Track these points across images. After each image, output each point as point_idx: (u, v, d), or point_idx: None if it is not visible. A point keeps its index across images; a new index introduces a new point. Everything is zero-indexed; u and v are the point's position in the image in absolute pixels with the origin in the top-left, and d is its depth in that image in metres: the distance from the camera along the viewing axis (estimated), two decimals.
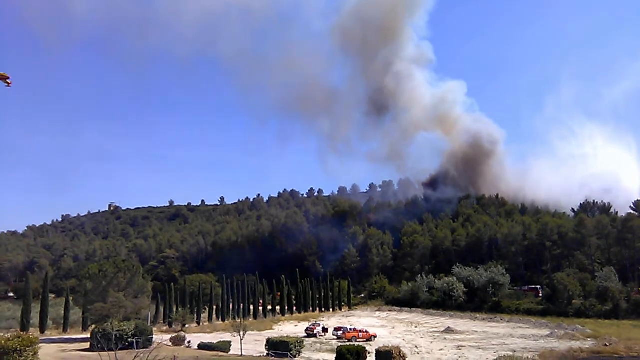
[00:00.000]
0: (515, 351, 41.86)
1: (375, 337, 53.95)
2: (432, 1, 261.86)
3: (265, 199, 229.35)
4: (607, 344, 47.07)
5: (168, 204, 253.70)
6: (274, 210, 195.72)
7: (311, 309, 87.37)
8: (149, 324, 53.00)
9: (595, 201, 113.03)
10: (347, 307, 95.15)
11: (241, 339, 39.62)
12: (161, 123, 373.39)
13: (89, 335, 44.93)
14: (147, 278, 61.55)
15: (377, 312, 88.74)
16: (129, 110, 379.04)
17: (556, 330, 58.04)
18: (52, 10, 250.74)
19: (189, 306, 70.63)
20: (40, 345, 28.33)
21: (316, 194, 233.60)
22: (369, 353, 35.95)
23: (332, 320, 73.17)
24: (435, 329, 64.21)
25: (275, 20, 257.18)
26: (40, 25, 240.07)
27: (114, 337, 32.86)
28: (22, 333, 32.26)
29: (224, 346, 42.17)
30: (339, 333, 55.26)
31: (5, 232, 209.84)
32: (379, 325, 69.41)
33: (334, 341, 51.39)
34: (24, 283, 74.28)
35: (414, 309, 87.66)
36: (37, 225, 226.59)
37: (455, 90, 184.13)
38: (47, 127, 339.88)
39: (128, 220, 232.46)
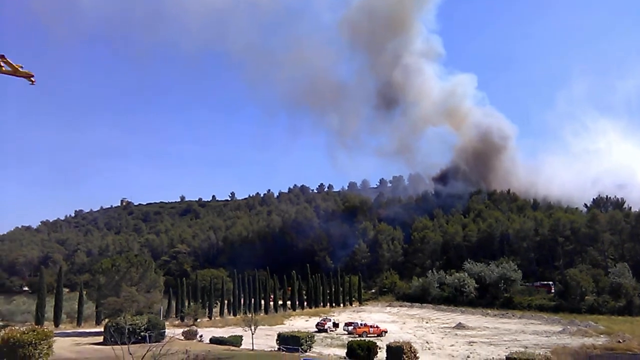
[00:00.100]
0: (527, 347, 41.58)
1: (386, 332, 53.94)
2: None
3: (276, 194, 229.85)
4: (621, 341, 46.64)
5: (179, 200, 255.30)
6: (284, 206, 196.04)
7: (322, 304, 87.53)
8: (162, 318, 53.47)
9: (609, 196, 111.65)
10: (358, 303, 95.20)
11: (252, 334, 39.86)
12: (171, 118, 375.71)
13: (102, 329, 45.49)
14: (159, 273, 62.12)
15: (388, 308, 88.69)
16: (139, 105, 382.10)
17: (568, 327, 57.64)
18: (60, 5, 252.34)
19: (200, 301, 71.16)
20: (55, 338, 28.69)
21: (326, 189, 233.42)
22: (379, 348, 36.01)
23: (342, 316, 73.33)
24: (447, 325, 64.04)
25: (283, 14, 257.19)
26: (49, 19, 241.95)
27: (126, 331, 33.20)
28: (36, 327, 32.76)
29: (236, 340, 42.48)
30: (350, 328, 55.37)
31: (20, 227, 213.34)
32: (390, 320, 69.37)
33: (345, 336, 51.50)
34: (38, 277, 75.21)
35: (425, 304, 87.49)
36: (51, 221, 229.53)
37: (465, 84, 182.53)
38: (60, 122, 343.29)
39: (140, 215, 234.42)
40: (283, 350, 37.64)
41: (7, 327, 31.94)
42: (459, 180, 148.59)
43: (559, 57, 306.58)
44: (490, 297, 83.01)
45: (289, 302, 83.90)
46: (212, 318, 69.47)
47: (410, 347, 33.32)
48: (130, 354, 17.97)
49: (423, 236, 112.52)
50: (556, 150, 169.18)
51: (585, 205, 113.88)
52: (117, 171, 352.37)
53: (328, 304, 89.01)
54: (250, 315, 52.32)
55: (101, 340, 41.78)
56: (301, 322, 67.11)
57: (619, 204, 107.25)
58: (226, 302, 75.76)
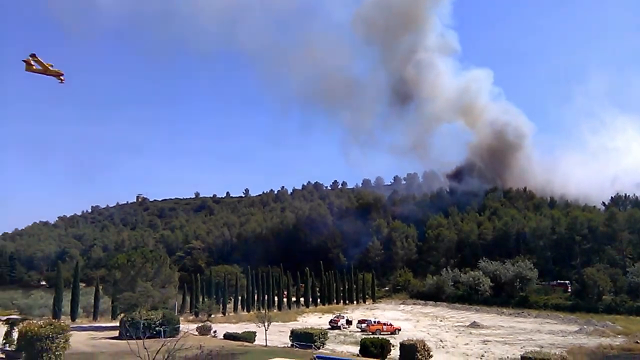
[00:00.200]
0: (542, 347, 41.10)
1: (399, 330, 53.77)
2: None
3: (289, 191, 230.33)
4: (639, 341, 45.92)
5: (194, 196, 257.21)
6: (298, 203, 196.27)
7: (335, 301, 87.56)
8: (176, 314, 53.85)
9: (627, 195, 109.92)
10: (371, 300, 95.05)
11: (266, 330, 39.94)
12: (186, 115, 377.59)
13: (117, 324, 45.94)
14: (173, 268, 62.62)
15: (402, 306, 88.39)
16: (155, 102, 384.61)
17: (585, 326, 56.95)
18: (78, 3, 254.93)
19: (214, 296, 71.63)
20: (71, 332, 28.98)
21: (340, 186, 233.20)
22: (393, 346, 35.82)
23: (356, 313, 73.25)
24: (461, 323, 63.65)
25: (296, 11, 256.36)
26: (67, 17, 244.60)
27: (142, 325, 33.46)
28: (54, 320, 33.18)
29: (249, 336, 42.64)
30: (363, 325, 55.32)
31: (38, 222, 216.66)
32: (403, 318, 69.16)
33: (358, 333, 51.45)
34: (55, 272, 76.33)
35: (439, 302, 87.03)
36: (68, 216, 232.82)
37: (480, 79, 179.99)
38: (76, 118, 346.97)
39: (155, 211, 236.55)
40: (296, 347, 37.68)
41: (25, 320, 32.44)
42: (474, 177, 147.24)
43: (576, 51, 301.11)
44: (505, 296, 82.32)
45: (302, 299, 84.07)
46: (226, 314, 69.88)
47: (424, 346, 33.09)
48: (145, 348, 18.04)
49: (437, 234, 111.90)
50: (573, 147, 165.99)
51: (603, 203, 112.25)
52: (133, 167, 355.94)
53: (341, 301, 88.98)
54: (264, 311, 52.44)
55: (117, 335, 42.18)
56: (314, 319, 67.20)
57: (637, 203, 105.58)
58: (240, 298, 76.18)
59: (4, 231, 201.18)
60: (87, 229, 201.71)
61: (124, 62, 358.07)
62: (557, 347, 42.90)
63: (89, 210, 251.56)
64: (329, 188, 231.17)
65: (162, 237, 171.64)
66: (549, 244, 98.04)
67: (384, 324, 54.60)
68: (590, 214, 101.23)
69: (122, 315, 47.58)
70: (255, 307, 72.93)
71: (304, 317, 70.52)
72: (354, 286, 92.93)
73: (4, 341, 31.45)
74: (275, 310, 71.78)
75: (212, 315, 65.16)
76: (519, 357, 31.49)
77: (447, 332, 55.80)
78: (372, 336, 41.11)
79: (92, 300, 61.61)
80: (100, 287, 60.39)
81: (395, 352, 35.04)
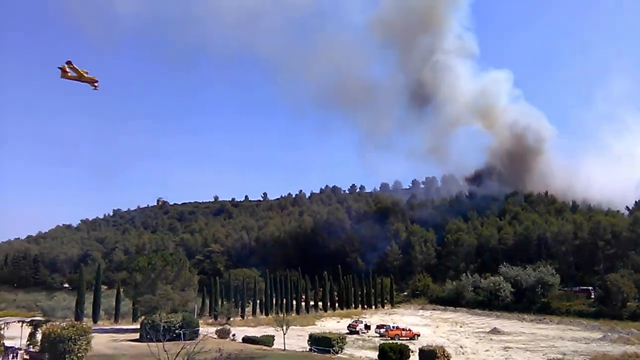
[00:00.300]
0: (565, 354, 40.41)
1: (418, 335, 53.34)
2: None
3: (307, 194, 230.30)
4: None
5: (213, 200, 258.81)
6: (315, 206, 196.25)
7: (353, 305, 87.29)
8: (195, 317, 54.31)
9: None
10: (390, 305, 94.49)
11: (284, 334, 40.04)
12: (205, 119, 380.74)
13: (138, 326, 46.49)
14: (193, 271, 63.27)
15: (421, 311, 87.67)
16: (174, 107, 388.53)
17: (609, 334, 55.73)
18: (96, 8, 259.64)
19: (233, 300, 72.00)
20: (93, 334, 29.49)
21: (358, 190, 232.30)
22: (412, 352, 35.56)
23: (374, 318, 72.89)
24: (481, 329, 62.86)
25: (313, 15, 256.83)
26: (86, 22, 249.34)
27: (162, 328, 33.79)
28: (76, 322, 33.75)
29: (268, 340, 42.76)
30: (382, 331, 55.01)
31: (61, 225, 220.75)
32: (422, 324, 68.60)
33: (377, 339, 51.20)
34: (78, 275, 77.52)
35: (459, 308, 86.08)
36: (90, 219, 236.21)
37: (500, 81, 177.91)
38: (98, 123, 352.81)
39: (175, 214, 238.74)
40: (314, 351, 37.69)
41: (49, 322, 33.02)
42: (493, 181, 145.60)
43: (595, 53, 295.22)
44: (526, 302, 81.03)
45: (320, 303, 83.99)
46: (245, 317, 70.18)
47: (444, 352, 32.84)
48: (165, 351, 18.27)
49: (457, 238, 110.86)
50: (595, 150, 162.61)
51: (627, 208, 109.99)
52: (153, 171, 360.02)
53: (359, 306, 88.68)
54: (282, 315, 52.58)
55: (137, 337, 42.69)
56: (332, 323, 67.04)
57: None
58: (258, 301, 76.45)
59: (28, 234, 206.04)
60: (109, 232, 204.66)
61: (143, 67, 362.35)
62: (580, 354, 42.12)
63: (111, 214, 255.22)
64: (347, 192, 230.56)
65: (181, 240, 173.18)
66: (571, 249, 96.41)
67: (403, 329, 54.21)
68: (613, 218, 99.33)
69: (143, 317, 48.15)
70: (274, 310, 73.12)
71: (322, 321, 70.40)
72: (372, 291, 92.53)
73: (28, 342, 32.07)
74: (293, 314, 71.91)
75: (231, 319, 65.48)
76: None
77: (467, 338, 55.14)
78: (390, 341, 40.93)
79: (114, 303, 62.44)
80: (122, 289, 61.22)
81: (414, 358, 34.79)
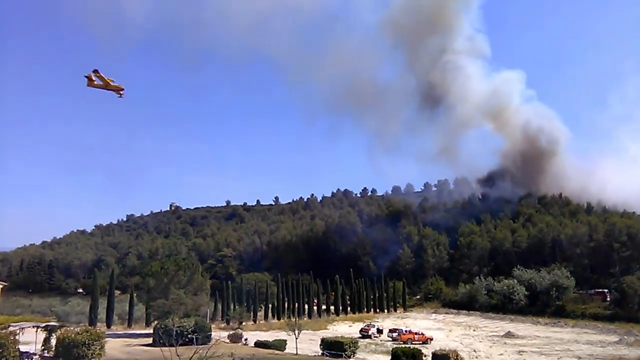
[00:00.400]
0: (580, 358, 39.92)
1: (431, 339, 53.02)
2: None
3: (319, 198, 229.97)
4: None
5: (225, 204, 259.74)
6: (327, 210, 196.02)
7: (365, 309, 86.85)
8: (208, 321, 54.51)
9: None
10: (402, 309, 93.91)
11: (296, 338, 40.01)
12: (217, 124, 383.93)
13: (151, 331, 46.78)
14: (205, 276, 63.51)
15: (433, 315, 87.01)
16: (185, 112, 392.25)
17: (625, 337, 54.97)
18: (108, 14, 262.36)
19: (245, 304, 72.16)
20: (106, 339, 29.82)
21: (369, 193, 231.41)
22: (425, 356, 35.35)
23: (386, 322, 72.53)
24: (495, 333, 62.27)
25: (323, 17, 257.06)
26: (97, 28, 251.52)
27: (174, 333, 33.98)
28: (90, 327, 34.15)
29: (280, 344, 42.79)
30: (394, 335, 54.76)
31: (75, 230, 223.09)
32: (435, 327, 68.12)
33: (389, 343, 50.97)
34: (91, 280, 78.19)
35: (472, 312, 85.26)
36: (104, 225, 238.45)
37: (512, 81, 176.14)
38: (112, 129, 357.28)
39: (188, 219, 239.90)
40: (327, 355, 37.61)
41: (63, 327, 33.37)
42: (506, 183, 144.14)
43: (610, 53, 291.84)
44: (541, 305, 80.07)
45: (332, 307, 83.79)
46: (257, 322, 70.31)
47: (457, 356, 32.61)
48: (178, 355, 18.37)
49: (470, 241, 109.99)
50: (610, 152, 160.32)
51: None
52: (166, 177, 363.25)
53: (372, 310, 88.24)
54: (294, 319, 52.54)
55: (150, 342, 42.95)
56: (345, 328, 66.88)
57: None
58: (270, 305, 76.50)
59: (43, 240, 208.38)
60: (122, 237, 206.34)
61: (154, 73, 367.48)
62: (596, 358, 41.60)
63: (124, 219, 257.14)
64: (359, 195, 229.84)
65: (194, 245, 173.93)
66: (586, 251, 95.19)
67: (416, 333, 53.92)
68: (629, 220, 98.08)
69: (156, 322, 48.42)
70: (286, 315, 73.09)
71: (334, 325, 70.26)
72: (385, 294, 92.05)
73: (43, 347, 32.42)
74: (305, 319, 71.77)
75: (243, 323, 65.64)
76: None
77: (480, 342, 54.66)
78: (403, 345, 40.64)
79: (127, 308, 62.91)
80: (135, 294, 61.65)
81: None
